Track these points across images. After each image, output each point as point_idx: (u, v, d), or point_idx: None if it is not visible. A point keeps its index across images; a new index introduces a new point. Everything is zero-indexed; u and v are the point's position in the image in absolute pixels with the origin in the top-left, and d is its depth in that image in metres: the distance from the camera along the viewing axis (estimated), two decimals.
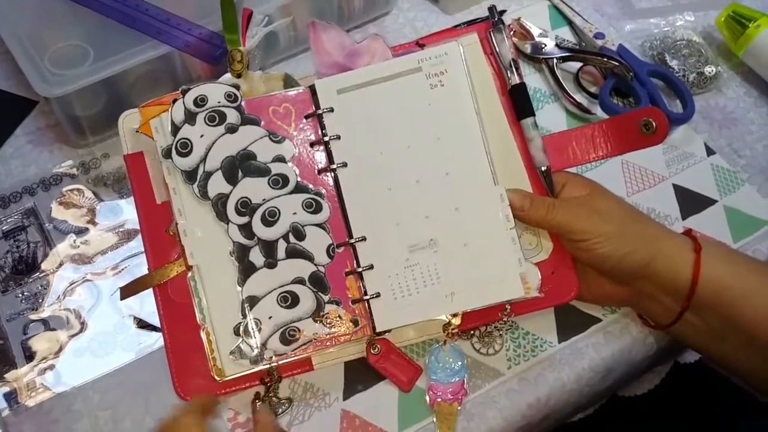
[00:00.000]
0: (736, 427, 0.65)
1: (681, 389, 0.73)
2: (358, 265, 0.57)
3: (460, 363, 0.60)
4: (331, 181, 0.58)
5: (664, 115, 0.59)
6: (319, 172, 0.58)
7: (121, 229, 0.67)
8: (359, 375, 0.60)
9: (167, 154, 0.56)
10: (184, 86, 0.57)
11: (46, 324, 0.62)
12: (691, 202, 0.71)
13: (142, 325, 0.62)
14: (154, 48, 0.66)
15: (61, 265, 0.65)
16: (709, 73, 0.77)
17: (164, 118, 0.56)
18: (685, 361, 0.72)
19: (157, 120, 0.57)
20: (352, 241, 0.57)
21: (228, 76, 0.59)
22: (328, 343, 0.56)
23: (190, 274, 0.56)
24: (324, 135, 0.58)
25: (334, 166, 0.58)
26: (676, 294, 0.56)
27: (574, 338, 0.63)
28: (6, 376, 0.60)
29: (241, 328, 0.56)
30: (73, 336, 0.62)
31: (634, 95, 0.75)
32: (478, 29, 0.63)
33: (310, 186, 0.58)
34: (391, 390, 0.60)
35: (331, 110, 0.58)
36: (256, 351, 0.55)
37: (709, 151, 0.74)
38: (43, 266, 0.65)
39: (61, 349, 0.61)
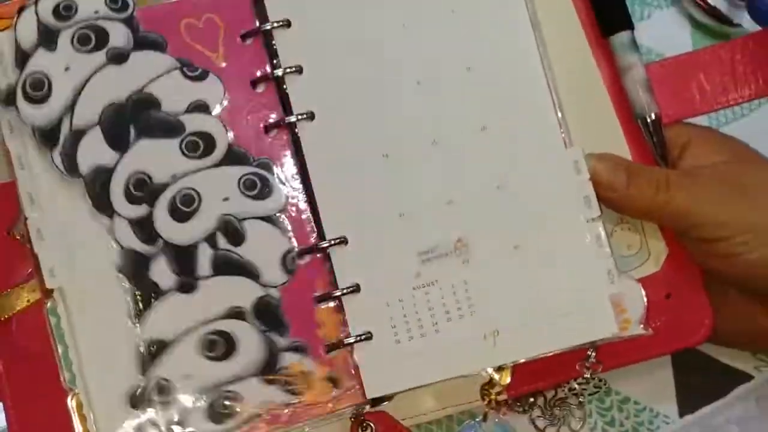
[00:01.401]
0: None
1: None
2: (336, 286, 0.38)
3: None
4: (287, 146, 0.39)
5: None
6: (268, 129, 0.39)
7: None
8: None
9: (9, 98, 0.38)
10: None
11: None
12: None
13: None
14: None
15: None
16: None
17: (4, 40, 0.38)
18: None
19: None
20: (325, 244, 0.38)
21: None
22: (288, 419, 0.38)
23: (49, 303, 0.38)
24: (276, 66, 0.39)
25: (293, 119, 0.38)
26: None
27: (707, 409, 0.45)
28: None
29: (140, 395, 0.38)
30: None
31: None
32: None
33: (251, 153, 0.39)
34: None
35: (287, 24, 0.39)
36: None
37: None
38: None
39: None
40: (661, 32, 0.51)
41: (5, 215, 0.40)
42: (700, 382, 0.47)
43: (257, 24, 0.39)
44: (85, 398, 0.39)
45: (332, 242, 0.38)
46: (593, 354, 0.41)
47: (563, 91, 0.41)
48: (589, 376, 0.42)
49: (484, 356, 0.40)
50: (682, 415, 0.46)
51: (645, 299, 0.40)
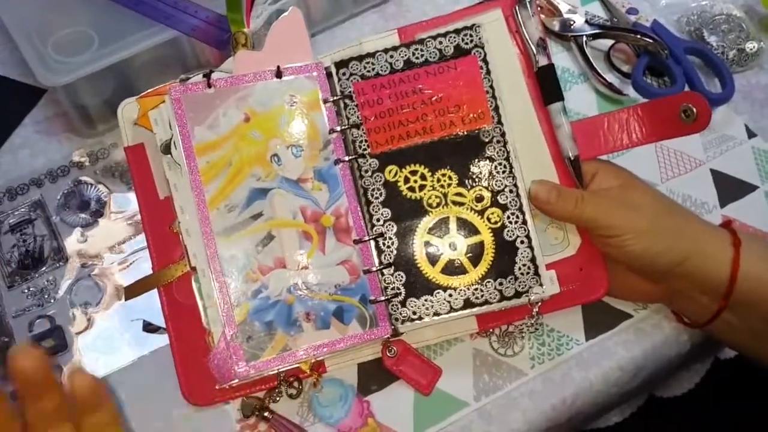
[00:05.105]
0: None
1: (722, 387, 0.66)
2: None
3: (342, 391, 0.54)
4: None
5: (706, 101, 0.51)
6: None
7: (129, 222, 0.61)
8: (374, 373, 0.55)
9: (167, 149, 0.50)
10: (182, 75, 0.50)
11: (52, 321, 0.57)
12: (730, 188, 0.63)
13: (150, 329, 0.57)
14: (161, 33, 0.60)
15: (67, 259, 0.59)
16: (751, 49, 0.69)
17: (163, 110, 0.50)
18: (725, 357, 0.65)
19: (155, 111, 0.50)
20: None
21: (231, 60, 0.51)
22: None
23: (194, 276, 0.50)
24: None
25: (349, 158, 0.51)
26: (712, 292, 0.50)
27: (603, 336, 0.57)
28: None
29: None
30: (79, 333, 0.57)
31: (669, 74, 0.67)
32: (503, 4, 0.55)
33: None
34: (407, 390, 0.54)
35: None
36: None
37: (750, 134, 0.66)
38: (50, 261, 0.59)
39: (66, 347, 0.56)
40: (578, 99, 0.66)
41: (168, 217, 0.52)
42: (599, 319, 0.57)
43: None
44: (214, 336, 0.50)
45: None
46: (536, 310, 0.53)
47: (518, 140, 0.53)
48: (536, 315, 0.53)
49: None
50: (587, 339, 0.57)
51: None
